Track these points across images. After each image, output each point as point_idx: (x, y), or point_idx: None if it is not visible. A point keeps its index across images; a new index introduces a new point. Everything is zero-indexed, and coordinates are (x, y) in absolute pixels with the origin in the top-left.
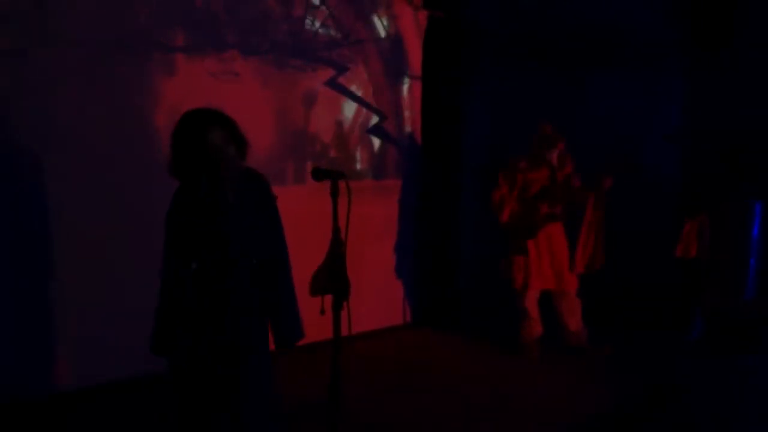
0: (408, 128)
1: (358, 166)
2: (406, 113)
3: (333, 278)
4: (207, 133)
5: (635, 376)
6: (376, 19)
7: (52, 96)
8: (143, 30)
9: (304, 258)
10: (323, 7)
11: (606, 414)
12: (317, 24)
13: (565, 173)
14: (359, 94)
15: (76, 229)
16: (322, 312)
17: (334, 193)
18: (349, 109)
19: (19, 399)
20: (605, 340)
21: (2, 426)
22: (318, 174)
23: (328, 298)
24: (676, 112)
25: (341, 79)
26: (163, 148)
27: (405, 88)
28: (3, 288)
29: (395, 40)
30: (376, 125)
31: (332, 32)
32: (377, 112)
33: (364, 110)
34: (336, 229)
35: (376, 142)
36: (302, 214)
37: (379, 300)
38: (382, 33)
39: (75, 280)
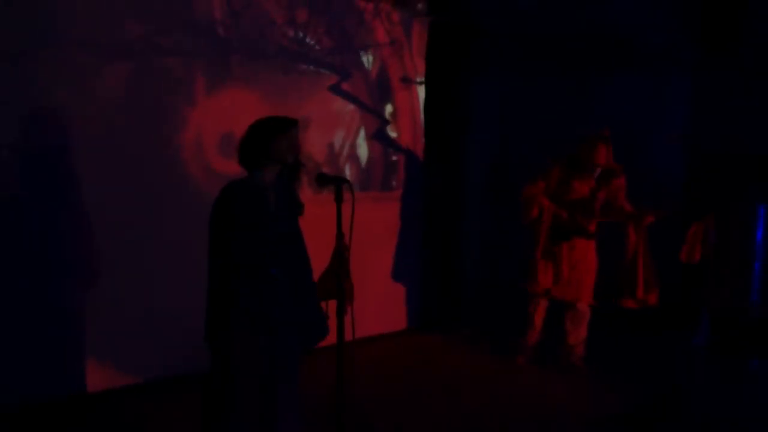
0: (411, 133)
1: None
2: (410, 118)
3: (337, 283)
4: (290, 127)
5: (642, 380)
6: (379, 25)
7: (58, 97)
8: (146, 34)
9: None
10: (327, 14)
11: (613, 418)
12: (320, 30)
13: (611, 189)
14: (362, 99)
15: (80, 231)
16: (326, 316)
17: (338, 199)
18: (341, 128)
19: (39, 400)
20: (599, 352)
21: (24, 427)
22: (322, 180)
23: (332, 303)
24: (682, 114)
25: (344, 85)
26: (169, 150)
27: (408, 93)
28: (19, 290)
29: (399, 45)
30: (378, 131)
31: (335, 38)
32: (380, 117)
33: (354, 129)
34: (340, 235)
35: (364, 158)
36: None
37: (382, 305)
38: (386, 38)
39: (91, 284)
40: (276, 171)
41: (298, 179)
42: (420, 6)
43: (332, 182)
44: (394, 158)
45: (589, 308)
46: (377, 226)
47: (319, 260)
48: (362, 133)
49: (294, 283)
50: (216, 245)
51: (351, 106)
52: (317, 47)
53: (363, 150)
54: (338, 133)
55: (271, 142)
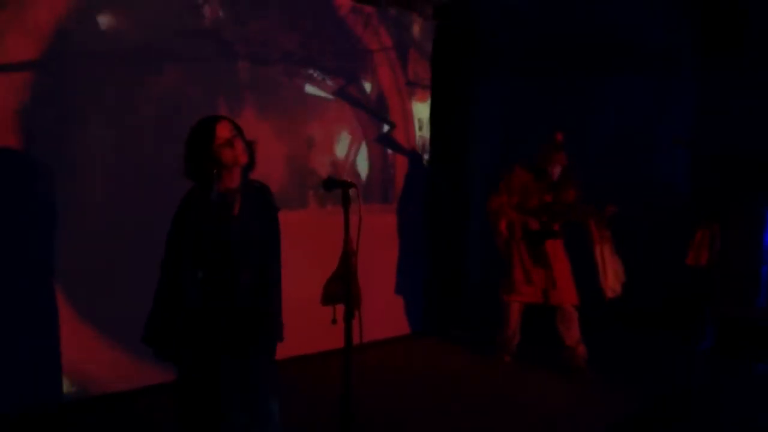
0: (416, 138)
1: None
2: (415, 122)
3: (344, 287)
4: (216, 127)
5: (647, 383)
6: (384, 29)
7: (68, 105)
8: (152, 42)
9: (310, 272)
10: (332, 18)
11: (618, 424)
12: (326, 34)
13: (567, 190)
14: (368, 104)
15: (84, 236)
16: (334, 321)
17: (345, 203)
18: (343, 144)
19: (32, 409)
20: (604, 355)
21: None
22: (329, 184)
23: (340, 308)
24: (686, 117)
25: (349, 90)
26: (174, 153)
27: (414, 97)
28: (14, 296)
29: (405, 50)
30: (383, 135)
31: (341, 43)
32: (386, 121)
33: (356, 143)
34: (347, 239)
35: (367, 168)
36: (306, 234)
37: (386, 310)
38: (391, 43)
39: (87, 288)
40: (236, 171)
41: (253, 164)
42: (425, 11)
43: (339, 186)
44: (398, 164)
45: (575, 308)
46: (381, 231)
47: (327, 265)
48: (364, 147)
49: (259, 287)
50: (169, 252)
51: (354, 123)
52: (321, 54)
53: (365, 160)
54: (341, 150)
55: (209, 154)
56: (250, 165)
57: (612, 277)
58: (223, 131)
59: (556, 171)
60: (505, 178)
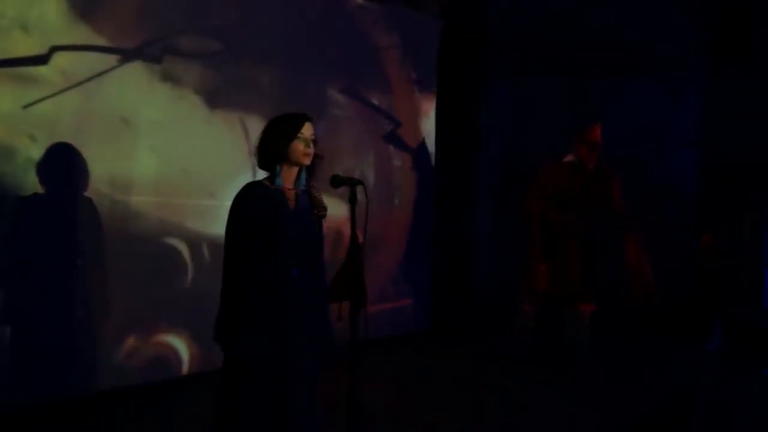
0: (422, 137)
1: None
2: (421, 121)
3: (351, 284)
4: (304, 123)
5: (654, 389)
6: (391, 28)
7: (73, 98)
8: (159, 37)
9: None
10: (340, 16)
11: (624, 427)
12: (334, 31)
13: (608, 181)
14: (374, 102)
15: (88, 237)
16: (340, 318)
17: (352, 200)
18: (351, 156)
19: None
20: (610, 359)
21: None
22: (336, 181)
23: (346, 304)
24: (695, 119)
25: (357, 87)
26: (178, 152)
27: (420, 96)
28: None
29: (411, 49)
30: (390, 133)
31: (348, 40)
32: (392, 119)
33: (362, 150)
34: (354, 236)
35: (371, 175)
36: None
37: (391, 308)
38: (398, 42)
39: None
40: (295, 171)
41: (314, 174)
42: (433, 11)
43: (346, 183)
44: (404, 165)
45: (590, 311)
46: (388, 230)
47: (334, 263)
48: (371, 149)
49: (311, 287)
50: (228, 246)
51: (359, 127)
52: (326, 53)
53: (372, 163)
54: (348, 161)
55: (286, 145)
56: (310, 169)
57: (653, 285)
58: (308, 130)
59: (592, 164)
60: (539, 176)
